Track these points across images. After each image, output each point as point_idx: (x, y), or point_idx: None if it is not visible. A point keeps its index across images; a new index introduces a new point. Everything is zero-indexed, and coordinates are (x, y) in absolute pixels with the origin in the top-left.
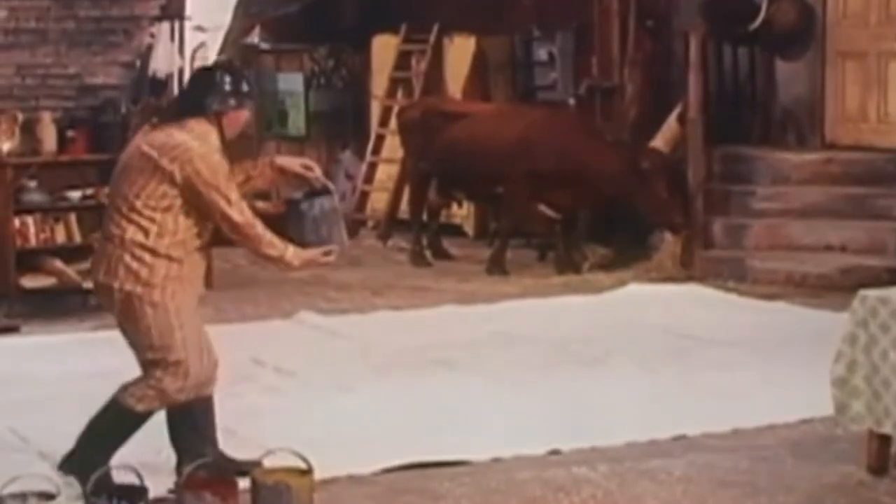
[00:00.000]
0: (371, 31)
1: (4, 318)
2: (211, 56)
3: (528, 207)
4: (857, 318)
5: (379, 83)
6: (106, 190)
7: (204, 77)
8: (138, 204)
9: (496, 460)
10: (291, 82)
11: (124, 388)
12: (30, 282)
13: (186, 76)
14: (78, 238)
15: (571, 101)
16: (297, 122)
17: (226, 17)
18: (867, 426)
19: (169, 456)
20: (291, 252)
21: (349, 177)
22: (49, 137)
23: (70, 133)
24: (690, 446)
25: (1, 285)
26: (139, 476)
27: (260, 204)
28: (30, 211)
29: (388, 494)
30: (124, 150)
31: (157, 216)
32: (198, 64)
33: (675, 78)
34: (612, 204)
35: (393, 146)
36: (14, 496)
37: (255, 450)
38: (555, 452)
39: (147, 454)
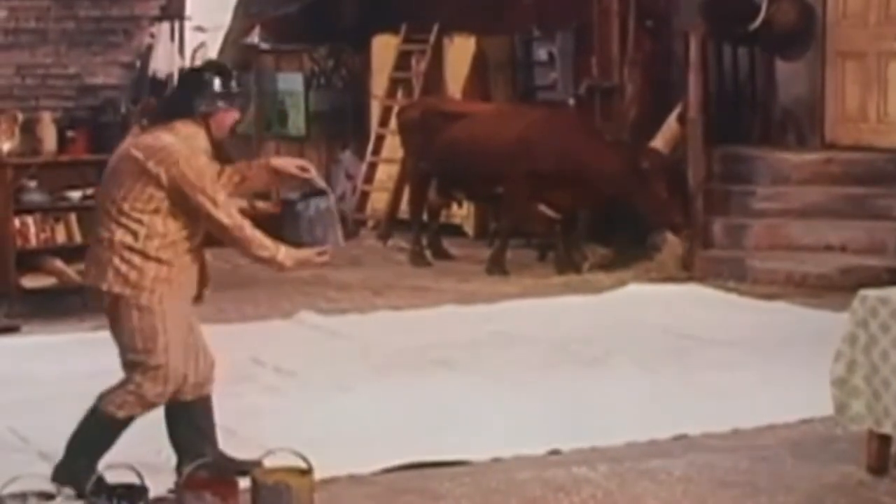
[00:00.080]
0: (371, 31)
1: (4, 318)
2: (211, 56)
3: (528, 207)
4: (857, 318)
5: (379, 83)
6: None
7: (191, 78)
8: (126, 206)
9: (496, 460)
10: (291, 82)
11: (103, 397)
12: (30, 282)
13: None
14: (78, 238)
15: (571, 101)
16: (296, 122)
17: (226, 17)
18: (867, 426)
19: (169, 456)
20: (284, 252)
21: (349, 177)
22: (49, 137)
23: (70, 133)
24: (690, 446)
25: (1, 285)
26: (139, 476)
27: (260, 204)
28: (30, 211)
29: (388, 494)
30: (114, 153)
31: (146, 218)
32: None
33: (675, 78)
34: (612, 204)
35: (393, 146)
36: (14, 496)
37: (255, 450)
38: (555, 452)
39: (147, 454)
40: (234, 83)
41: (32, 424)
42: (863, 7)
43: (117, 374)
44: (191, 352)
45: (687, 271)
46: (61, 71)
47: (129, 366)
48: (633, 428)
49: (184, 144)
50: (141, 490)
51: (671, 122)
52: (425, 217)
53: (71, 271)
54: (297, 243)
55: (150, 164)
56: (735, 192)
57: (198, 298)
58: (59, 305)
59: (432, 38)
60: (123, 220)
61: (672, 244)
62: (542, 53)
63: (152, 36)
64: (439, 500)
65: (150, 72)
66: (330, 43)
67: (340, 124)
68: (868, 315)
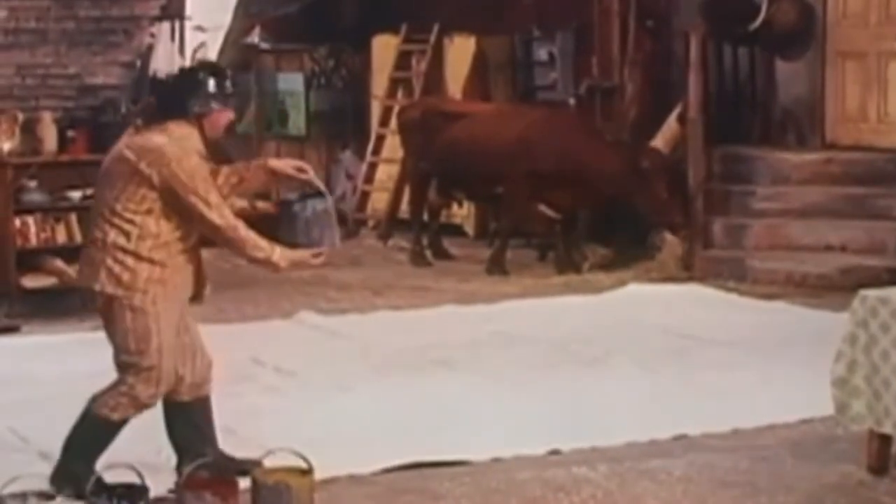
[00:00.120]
0: (371, 31)
1: (4, 318)
2: (211, 56)
3: (528, 207)
4: (857, 318)
5: (379, 83)
6: None
7: (185, 78)
8: (118, 207)
9: (496, 460)
10: (292, 82)
11: (97, 399)
12: (30, 282)
13: None
14: (78, 238)
15: (571, 101)
16: (297, 122)
17: (226, 17)
18: (867, 426)
19: (169, 456)
20: (279, 253)
21: (349, 177)
22: (49, 137)
23: (70, 133)
24: (690, 446)
25: (1, 285)
26: (140, 476)
27: (260, 204)
28: (30, 211)
29: (388, 494)
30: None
31: (138, 219)
32: None
33: (675, 78)
34: (612, 204)
35: (393, 146)
36: (14, 496)
37: (256, 450)
38: (555, 452)
39: (147, 454)
40: (228, 83)
41: (32, 424)
42: (863, 7)
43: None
44: (187, 352)
45: (687, 271)
46: (61, 71)
47: (122, 367)
48: (633, 428)
49: (176, 145)
50: (141, 490)
51: (671, 122)
52: (425, 217)
53: (71, 271)
54: (293, 244)
55: (143, 165)
56: (735, 192)
57: (198, 298)
58: (59, 305)
59: (432, 38)
60: (116, 220)
61: (671, 244)
62: (542, 53)
63: (153, 36)
64: (439, 500)
65: (151, 72)
66: (330, 43)
67: (341, 124)
68: (868, 315)
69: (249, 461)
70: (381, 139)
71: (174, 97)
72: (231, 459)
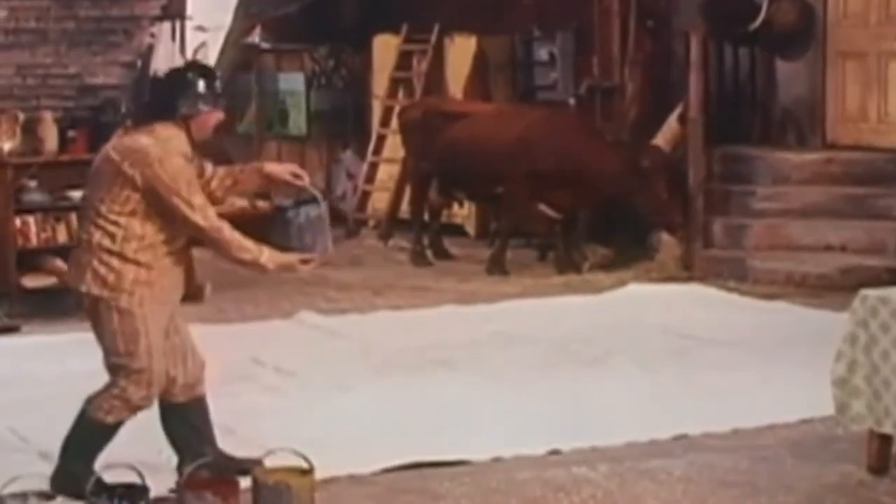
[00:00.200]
0: (372, 30)
1: (5, 318)
2: (212, 56)
3: (529, 207)
4: (857, 318)
5: (380, 83)
6: None
7: (173, 79)
8: (103, 209)
9: (496, 460)
10: (292, 82)
11: (91, 401)
12: (30, 281)
13: None
14: None
15: (572, 101)
16: (297, 122)
17: (226, 17)
18: (867, 426)
19: (169, 456)
20: (266, 255)
21: (350, 176)
22: (50, 137)
23: (71, 133)
24: (690, 446)
25: (1, 285)
26: (140, 476)
27: (260, 203)
28: (31, 210)
29: (388, 494)
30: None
31: (123, 220)
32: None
33: (676, 78)
34: (613, 204)
35: (394, 146)
36: (14, 496)
37: (256, 449)
38: (555, 452)
39: (147, 454)
40: (218, 84)
41: (32, 424)
42: (863, 7)
43: None
44: (178, 354)
45: (687, 271)
46: (62, 71)
47: (113, 369)
48: (634, 428)
49: (160, 146)
50: (141, 490)
51: (671, 121)
52: (426, 217)
53: None
54: (285, 248)
55: (126, 166)
56: (735, 192)
57: (196, 298)
58: (59, 305)
59: (433, 38)
60: (101, 222)
61: (669, 244)
62: (542, 53)
63: (153, 36)
64: (439, 500)
65: (151, 72)
66: (331, 43)
67: (341, 124)
68: (868, 315)
69: (250, 460)
70: (381, 139)
71: (162, 98)
72: (231, 459)
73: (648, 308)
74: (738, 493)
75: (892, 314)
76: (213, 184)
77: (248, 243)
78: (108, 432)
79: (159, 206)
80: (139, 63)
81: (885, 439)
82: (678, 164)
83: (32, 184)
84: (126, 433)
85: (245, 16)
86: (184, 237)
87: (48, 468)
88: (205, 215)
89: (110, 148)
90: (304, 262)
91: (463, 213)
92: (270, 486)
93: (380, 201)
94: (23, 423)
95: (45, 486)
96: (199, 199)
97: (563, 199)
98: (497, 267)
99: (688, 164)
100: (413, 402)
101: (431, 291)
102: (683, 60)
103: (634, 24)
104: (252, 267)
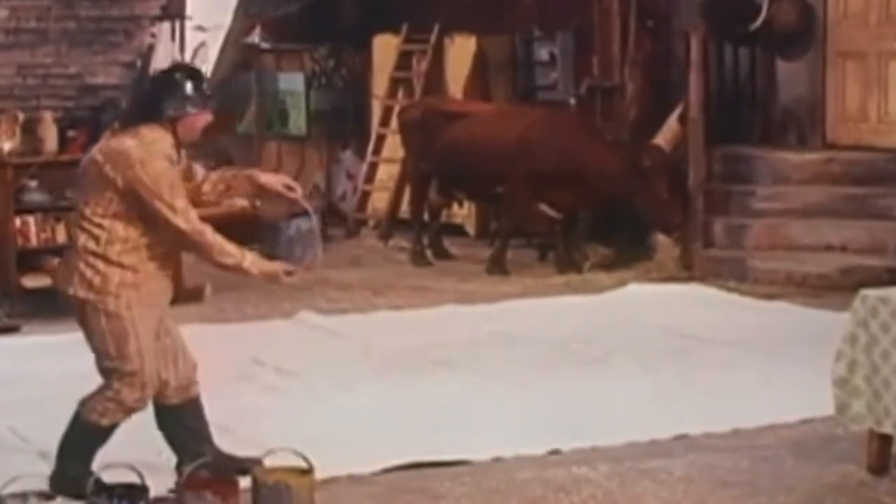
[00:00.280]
0: (372, 30)
1: (5, 318)
2: (212, 56)
3: (529, 207)
4: (857, 318)
5: (380, 83)
6: None
7: (160, 81)
8: (87, 211)
9: (496, 460)
10: (292, 82)
11: (85, 404)
12: (31, 281)
13: None
14: None
15: (572, 101)
16: (297, 122)
17: (226, 17)
18: (868, 426)
19: (169, 456)
20: (250, 260)
21: (350, 176)
22: (50, 137)
23: (71, 133)
24: (691, 446)
25: (2, 285)
26: (140, 476)
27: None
28: (31, 210)
29: (388, 494)
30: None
31: (106, 223)
32: (199, 63)
33: (676, 78)
34: (613, 204)
35: (394, 146)
36: (14, 496)
37: (256, 449)
38: (555, 452)
39: (147, 454)
40: (205, 85)
41: (32, 424)
42: (863, 7)
43: None
44: (169, 356)
45: (687, 271)
46: (62, 71)
47: (106, 373)
48: (634, 428)
49: (143, 149)
50: (141, 490)
51: (672, 121)
52: (426, 217)
53: None
54: (271, 257)
55: (108, 168)
56: (735, 192)
57: (199, 298)
58: (59, 305)
59: (433, 37)
60: (86, 224)
61: (665, 245)
62: (542, 53)
63: (153, 36)
64: (439, 500)
65: (151, 72)
66: (331, 43)
67: (341, 124)
68: (868, 315)
69: (249, 460)
70: (381, 139)
71: (150, 100)
72: (231, 458)
73: (649, 308)
74: (739, 493)
75: (893, 314)
76: (206, 187)
77: (231, 247)
78: (103, 434)
79: (141, 209)
80: (139, 63)
81: (885, 439)
82: (678, 164)
83: (32, 184)
84: (125, 433)
85: (245, 16)
86: (167, 242)
87: (48, 468)
88: (187, 218)
89: (96, 150)
90: (289, 273)
91: (463, 213)
92: (270, 485)
93: (380, 201)
94: (23, 423)
95: (45, 486)
96: (181, 202)
97: (564, 199)
98: (497, 267)
99: (688, 164)
100: (413, 402)
101: (431, 291)
102: (683, 60)
103: (634, 24)
104: (235, 271)
